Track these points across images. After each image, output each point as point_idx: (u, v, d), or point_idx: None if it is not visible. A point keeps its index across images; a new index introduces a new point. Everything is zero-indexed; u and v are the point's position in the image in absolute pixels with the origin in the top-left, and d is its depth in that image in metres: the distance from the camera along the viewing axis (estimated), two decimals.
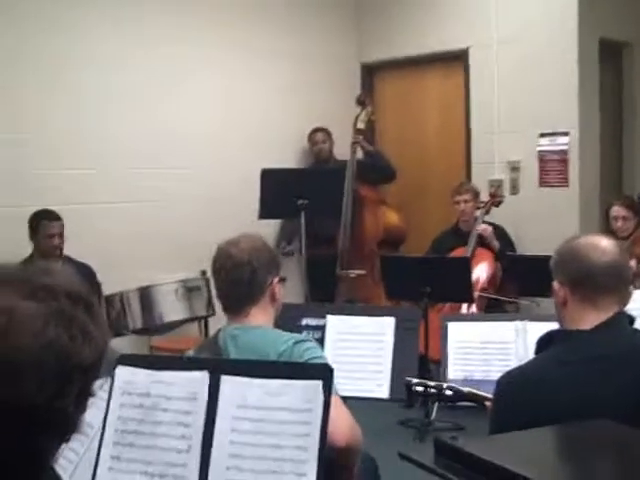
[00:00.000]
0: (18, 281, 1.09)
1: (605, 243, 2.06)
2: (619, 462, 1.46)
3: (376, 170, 5.99)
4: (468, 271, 4.80)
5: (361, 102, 6.09)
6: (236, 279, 2.29)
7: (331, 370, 1.79)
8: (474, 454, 1.32)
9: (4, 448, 1.04)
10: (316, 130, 6.15)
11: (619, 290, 2.03)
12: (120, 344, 4.54)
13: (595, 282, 2.00)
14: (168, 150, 5.55)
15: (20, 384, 1.03)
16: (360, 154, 6.03)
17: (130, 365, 1.89)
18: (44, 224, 4.54)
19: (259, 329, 2.29)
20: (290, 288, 5.37)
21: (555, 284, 2.07)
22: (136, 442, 1.82)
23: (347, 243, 5.89)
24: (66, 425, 1.10)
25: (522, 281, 4.78)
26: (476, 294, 5.11)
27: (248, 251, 2.31)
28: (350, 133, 6.09)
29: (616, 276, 2.02)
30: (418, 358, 2.94)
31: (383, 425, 4.51)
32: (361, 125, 6.02)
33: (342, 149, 6.17)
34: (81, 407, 1.11)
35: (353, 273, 5.73)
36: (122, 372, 1.88)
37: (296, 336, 2.28)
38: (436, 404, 4.50)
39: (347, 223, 5.88)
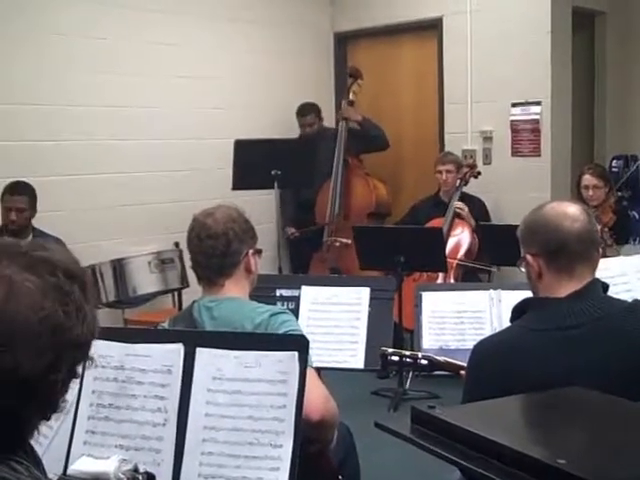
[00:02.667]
0: (17, 254, 1.09)
1: (573, 209, 2.04)
2: (589, 428, 1.47)
3: (368, 139, 5.96)
4: (441, 241, 4.81)
5: (353, 74, 6.07)
6: (210, 250, 2.27)
7: (307, 341, 1.79)
8: (450, 422, 1.33)
9: None
10: (305, 112, 6.06)
11: (592, 257, 2.03)
12: None
13: (570, 251, 1.99)
14: (143, 121, 5.47)
15: (15, 354, 1.03)
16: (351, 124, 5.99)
17: (104, 338, 1.88)
18: (5, 198, 4.46)
19: (235, 301, 2.28)
20: (269, 258, 5.39)
21: (528, 257, 2.04)
22: (111, 416, 1.82)
23: (337, 211, 5.88)
24: (50, 402, 1.11)
25: (495, 250, 4.81)
26: (454, 262, 5.14)
27: (223, 222, 2.29)
28: (327, 101, 6.05)
29: (589, 242, 2.02)
30: (393, 328, 2.95)
31: (358, 395, 4.54)
32: (352, 97, 6.01)
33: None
34: (66, 387, 1.11)
35: (338, 241, 5.74)
36: (95, 345, 1.86)
37: (272, 308, 2.27)
38: (410, 374, 4.55)
39: (337, 191, 5.88)
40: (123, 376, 1.84)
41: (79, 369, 1.13)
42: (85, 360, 1.14)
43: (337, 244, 5.76)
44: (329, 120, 6.20)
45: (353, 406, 3.59)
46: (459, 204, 5.42)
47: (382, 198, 6.04)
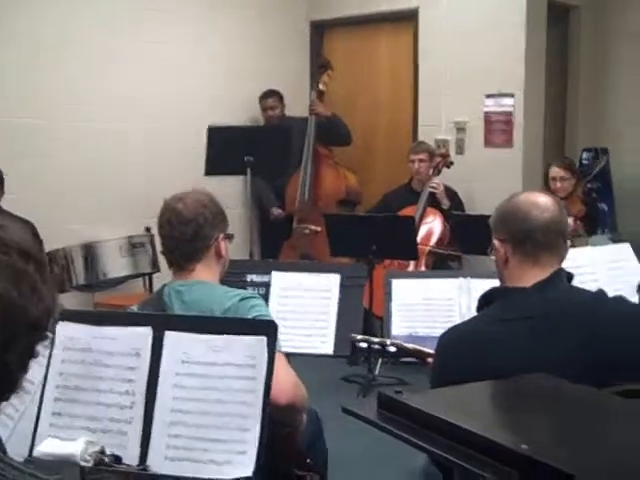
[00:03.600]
0: None
1: (544, 200, 2.06)
2: (555, 414, 1.49)
3: (332, 135, 5.99)
4: (412, 230, 4.83)
5: (323, 65, 6.06)
6: (181, 235, 2.27)
7: (275, 326, 1.79)
8: (416, 407, 1.34)
9: None
10: (267, 95, 6.07)
11: (559, 247, 2.05)
12: (63, 300, 4.48)
13: (536, 240, 2.01)
14: (115, 105, 5.43)
15: None
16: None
17: (71, 320, 1.87)
18: None
19: (205, 285, 2.27)
20: (240, 244, 5.38)
21: (496, 242, 2.08)
22: (78, 398, 1.81)
23: (306, 199, 5.89)
24: (7, 382, 1.09)
25: (466, 239, 4.85)
26: (426, 249, 5.17)
27: (194, 206, 2.29)
28: (302, 90, 6.04)
29: (556, 233, 2.04)
30: (363, 315, 2.96)
31: (327, 381, 4.56)
32: (323, 87, 6.01)
33: (293, 107, 6.13)
34: (23, 366, 1.10)
35: (308, 229, 5.75)
36: (63, 328, 1.85)
37: (242, 292, 2.27)
38: (380, 360, 4.57)
39: (307, 180, 5.89)
40: (90, 358, 1.83)
41: (37, 349, 1.12)
42: (42, 340, 1.13)
43: (307, 231, 5.77)
44: (304, 109, 6.18)
45: (322, 392, 3.60)
46: (434, 183, 5.45)
47: (352, 186, 6.06)
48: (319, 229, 5.62)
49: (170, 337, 1.81)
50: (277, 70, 6.29)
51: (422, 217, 5.38)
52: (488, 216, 2.18)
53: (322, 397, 3.01)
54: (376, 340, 2.29)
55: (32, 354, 1.11)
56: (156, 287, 4.30)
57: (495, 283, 2.16)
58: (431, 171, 5.54)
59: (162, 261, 4.93)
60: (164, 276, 2.83)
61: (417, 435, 1.30)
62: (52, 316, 1.12)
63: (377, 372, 4.66)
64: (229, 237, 2.40)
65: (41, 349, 1.15)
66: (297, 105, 6.16)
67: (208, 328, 1.81)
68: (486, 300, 2.08)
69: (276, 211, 6.01)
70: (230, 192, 5.81)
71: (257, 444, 1.68)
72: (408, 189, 5.70)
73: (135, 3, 5.49)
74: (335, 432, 2.85)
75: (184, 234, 2.27)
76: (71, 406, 1.81)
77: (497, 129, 5.67)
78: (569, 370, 1.74)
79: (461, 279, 2.87)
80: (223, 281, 2.40)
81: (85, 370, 1.82)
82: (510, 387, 1.66)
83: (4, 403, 1.12)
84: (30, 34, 5.02)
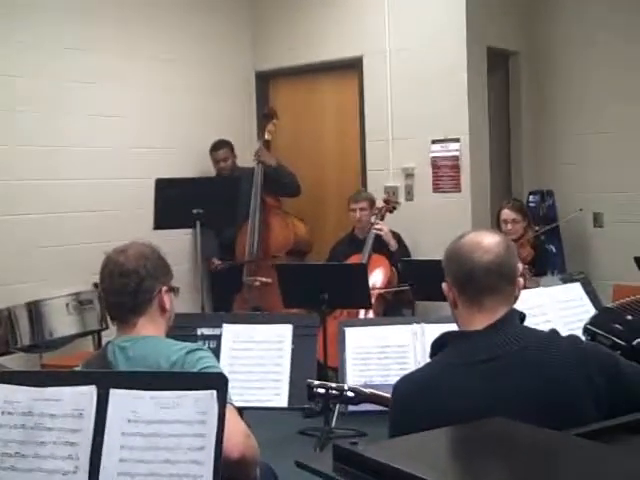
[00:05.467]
0: None
1: (488, 241, 2.01)
2: (510, 458, 1.46)
3: (280, 185, 5.98)
4: (365, 277, 4.82)
5: (269, 114, 6.08)
6: (122, 288, 2.21)
7: (225, 379, 1.73)
8: (373, 458, 1.29)
9: None
10: (217, 147, 6.03)
11: (502, 289, 1.99)
12: (8, 362, 4.34)
13: (477, 283, 1.97)
14: (60, 160, 5.35)
15: None
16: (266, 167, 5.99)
17: (10, 382, 1.78)
18: None
19: (150, 339, 2.21)
20: (191, 299, 5.30)
21: (444, 285, 2.05)
22: (18, 465, 1.72)
23: (254, 250, 5.84)
24: None
25: (416, 285, 4.84)
26: (375, 293, 5.15)
27: (135, 258, 2.23)
28: (248, 140, 6.05)
29: (498, 275, 1.98)
30: (317, 365, 2.92)
31: (283, 435, 4.47)
32: (268, 136, 6.03)
33: (240, 158, 6.14)
34: None
35: (258, 281, 5.70)
36: (1, 390, 1.77)
37: (188, 345, 2.21)
38: (336, 411, 4.50)
39: (255, 230, 5.85)
40: (31, 423, 1.75)
41: None
42: None
43: (257, 283, 5.73)
44: (251, 160, 6.17)
45: (279, 446, 3.53)
46: (378, 225, 5.46)
47: (300, 235, 6.04)
48: (269, 281, 5.58)
49: (115, 395, 1.73)
50: (224, 120, 6.30)
51: (368, 264, 5.38)
52: (438, 261, 2.15)
53: (278, 452, 2.94)
54: (334, 385, 2.24)
55: None
56: None
57: (449, 327, 2.13)
58: (374, 217, 5.57)
59: None
60: (114, 333, 2.76)
61: None
62: None
63: (334, 424, 4.58)
64: (173, 290, 2.34)
65: None
66: (244, 155, 6.16)
67: (155, 384, 1.74)
68: (438, 345, 2.05)
69: (216, 262, 5.93)
70: (180, 246, 5.75)
71: None
72: (352, 238, 5.72)
73: (73, 52, 5.44)
74: None
75: (125, 286, 2.21)
76: (11, 474, 1.71)
77: (445, 174, 5.73)
78: (523, 413, 1.71)
79: (415, 325, 2.85)
80: (172, 335, 2.33)
81: (25, 435, 1.74)
82: (466, 433, 1.62)
83: None
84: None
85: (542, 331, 2.06)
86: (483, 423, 1.61)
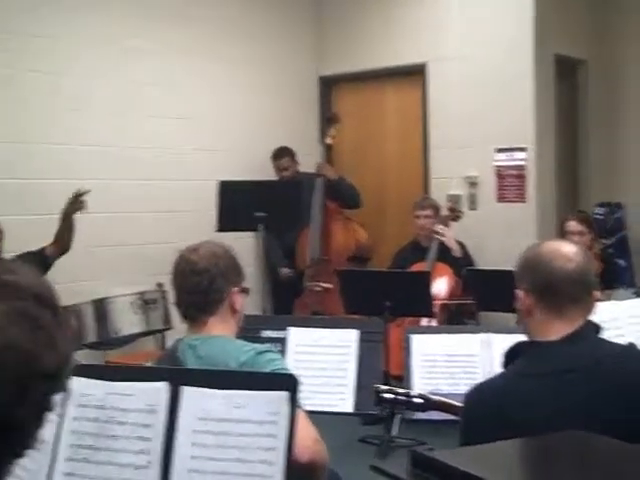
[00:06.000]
0: None
1: (568, 249, 2.00)
2: (587, 470, 1.42)
3: (340, 198, 5.98)
4: (428, 285, 4.76)
5: (331, 118, 6.08)
6: (194, 286, 2.22)
7: (297, 381, 1.72)
8: (452, 464, 1.27)
9: None
10: (279, 155, 6.04)
11: (583, 299, 1.98)
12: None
13: (559, 291, 1.95)
14: (126, 162, 5.44)
15: None
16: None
17: (85, 376, 1.80)
18: None
19: (219, 339, 2.21)
20: (252, 302, 5.31)
21: (519, 292, 2.02)
22: (91, 458, 1.73)
23: (316, 256, 5.84)
24: (21, 438, 1.02)
25: (481, 296, 4.77)
26: (437, 304, 5.09)
27: (207, 257, 2.24)
28: (310, 145, 6.05)
29: (580, 284, 1.97)
30: (383, 370, 2.89)
31: (342, 443, 4.43)
32: (330, 141, 6.01)
33: (303, 163, 6.14)
34: (39, 421, 1.03)
35: (319, 286, 5.69)
36: (76, 383, 1.78)
37: (258, 346, 2.20)
38: (398, 420, 4.45)
39: (316, 236, 5.84)
40: (104, 416, 1.76)
41: (54, 401, 1.05)
42: (60, 391, 1.06)
43: (318, 289, 5.71)
44: (313, 165, 6.18)
45: (338, 454, 3.49)
46: (439, 227, 5.39)
47: (362, 241, 6.01)
48: (330, 286, 5.56)
49: (187, 393, 1.74)
50: (287, 124, 6.32)
51: (431, 273, 5.31)
52: (504, 271, 2.13)
53: (338, 459, 2.91)
54: (401, 391, 2.21)
55: (48, 407, 1.04)
56: (169, 345, 4.25)
57: (517, 338, 2.09)
58: (437, 227, 5.51)
59: (175, 318, 4.86)
60: (177, 333, 2.78)
61: None
62: (68, 365, 1.06)
63: (395, 432, 4.53)
64: (244, 291, 2.34)
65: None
66: (307, 160, 6.16)
67: (227, 383, 1.74)
68: (512, 355, 2.02)
69: (285, 271, 5.95)
70: (242, 248, 5.75)
71: None
72: (415, 246, 5.66)
73: (139, 54, 5.52)
74: None
75: (198, 285, 2.22)
76: (84, 466, 1.73)
77: (510, 184, 5.65)
78: (597, 426, 1.66)
79: (482, 334, 2.80)
80: (238, 337, 2.33)
81: (98, 428, 1.75)
82: (542, 444, 1.59)
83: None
84: (52, 84, 5.05)
85: (619, 344, 2.02)
86: (559, 434, 1.57)
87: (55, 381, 1.03)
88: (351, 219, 6.11)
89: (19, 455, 1.04)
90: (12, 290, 1.01)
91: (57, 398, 1.05)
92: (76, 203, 4.41)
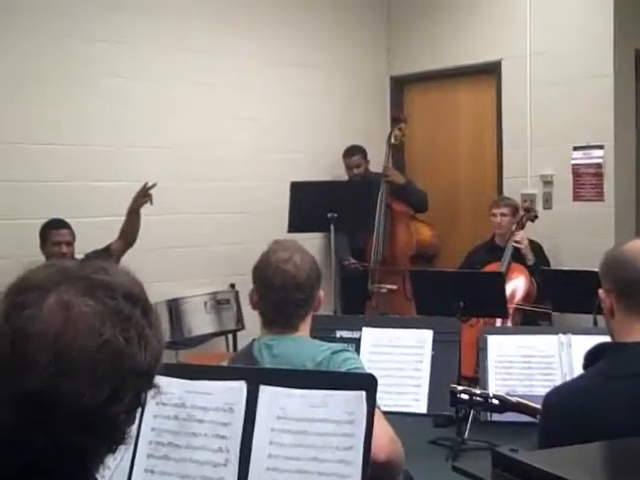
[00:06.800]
0: (76, 278, 1.04)
1: None
2: None
3: (407, 202, 5.95)
4: (502, 286, 4.69)
5: (396, 118, 6.05)
6: (297, 299, 2.20)
7: (375, 380, 1.71)
8: (535, 466, 1.24)
9: (52, 446, 0.99)
10: (351, 153, 6.03)
11: None
12: None
13: None
14: (197, 163, 5.51)
15: (74, 383, 0.98)
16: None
17: (163, 374, 1.82)
18: (51, 232, 4.43)
19: (295, 338, 2.21)
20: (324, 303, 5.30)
21: (601, 292, 1.98)
22: (171, 455, 1.75)
23: (380, 257, 5.83)
24: (115, 433, 1.04)
25: (556, 296, 4.67)
26: (512, 308, 5.00)
27: (307, 271, 2.22)
28: (381, 146, 6.03)
29: None
30: (458, 371, 2.85)
31: (413, 444, 4.37)
32: (395, 141, 5.98)
33: (372, 163, 6.11)
34: (131, 417, 1.05)
35: (384, 288, 5.66)
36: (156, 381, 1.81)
37: (334, 346, 2.20)
38: (469, 421, 4.39)
39: (380, 237, 5.83)
40: (184, 414, 1.78)
41: (143, 398, 1.07)
42: (149, 389, 1.08)
43: (384, 290, 5.68)
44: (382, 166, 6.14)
45: (410, 455, 3.46)
46: (518, 237, 5.29)
47: (424, 240, 5.95)
48: (395, 287, 5.54)
49: (265, 392, 1.74)
50: (358, 125, 6.31)
51: (507, 274, 5.22)
52: (581, 271, 2.08)
53: (409, 461, 2.88)
54: (478, 392, 2.17)
55: (140, 403, 1.06)
56: (240, 346, 4.28)
57: (597, 339, 2.04)
58: (514, 226, 5.41)
59: (247, 318, 4.91)
60: (249, 334, 2.79)
61: None
62: (159, 362, 1.08)
63: (466, 435, 4.47)
64: None
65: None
66: (377, 160, 6.13)
67: (304, 382, 1.74)
68: (594, 357, 1.97)
69: (350, 260, 5.92)
70: (311, 249, 5.78)
71: None
72: (491, 245, 5.57)
73: (214, 57, 5.59)
74: None
75: (300, 299, 2.21)
76: (164, 463, 1.75)
77: (587, 182, 5.52)
78: None
79: (561, 335, 2.74)
80: (313, 337, 2.33)
81: (178, 426, 1.77)
82: (626, 447, 1.54)
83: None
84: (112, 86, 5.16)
85: None
86: None
87: (146, 378, 1.05)
88: (416, 218, 6.06)
89: (112, 450, 1.06)
90: (104, 289, 1.03)
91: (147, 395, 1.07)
92: (143, 197, 4.49)
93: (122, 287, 1.05)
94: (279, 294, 2.20)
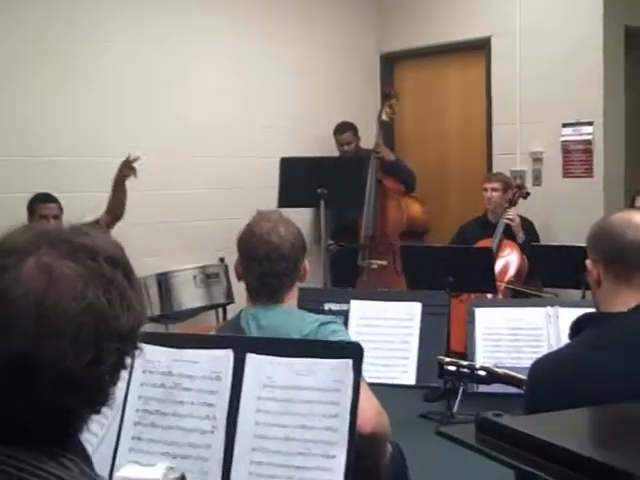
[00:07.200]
0: (58, 241, 1.04)
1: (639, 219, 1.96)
2: None
3: (395, 179, 5.96)
4: (491, 261, 4.70)
5: (387, 95, 6.04)
6: (282, 270, 2.19)
7: (361, 349, 1.72)
8: (519, 430, 1.24)
9: (36, 408, 1.00)
10: (342, 129, 6.01)
11: None
12: None
13: (628, 260, 1.91)
14: (185, 138, 5.49)
15: (58, 346, 0.98)
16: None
17: (151, 343, 1.83)
18: (39, 206, 4.40)
19: (282, 309, 2.21)
20: (311, 277, 5.31)
21: (588, 262, 1.99)
22: (158, 422, 1.76)
23: (370, 233, 5.84)
24: (99, 394, 1.05)
25: (546, 272, 4.70)
26: (502, 285, 5.01)
27: (291, 241, 2.21)
28: (371, 122, 6.01)
29: None
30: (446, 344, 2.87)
31: (403, 418, 4.42)
32: (385, 117, 5.97)
33: (362, 140, 6.10)
34: (114, 378, 1.06)
35: (375, 264, 5.68)
36: (143, 350, 1.81)
37: (321, 317, 2.20)
38: (459, 396, 4.43)
39: (370, 214, 5.84)
40: (170, 382, 1.78)
41: (128, 360, 1.08)
42: (133, 350, 1.08)
43: (374, 266, 5.70)
44: (373, 142, 6.14)
45: (399, 429, 3.47)
46: (510, 215, 5.31)
47: (414, 216, 5.98)
48: (385, 263, 5.56)
49: (252, 360, 1.75)
50: (349, 101, 6.29)
51: (498, 250, 5.24)
52: (570, 247, 2.09)
53: (399, 434, 2.90)
54: (465, 363, 2.19)
55: (123, 366, 1.07)
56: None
57: (584, 311, 2.05)
58: (507, 203, 5.41)
59: (236, 292, 4.91)
60: (239, 308, 2.79)
61: (522, 460, 1.20)
62: (142, 325, 1.08)
63: (456, 409, 4.51)
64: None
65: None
66: (367, 137, 6.12)
67: (291, 351, 1.74)
68: (579, 327, 1.98)
69: (329, 241, 5.89)
70: (299, 224, 5.78)
71: (343, 472, 1.60)
72: (483, 221, 5.58)
73: (204, 34, 5.57)
74: (413, 469, 2.74)
75: (284, 269, 2.20)
76: (151, 431, 1.76)
77: (576, 159, 5.52)
78: None
79: (548, 308, 2.75)
80: (300, 308, 2.34)
81: (165, 394, 1.78)
82: (610, 413, 1.55)
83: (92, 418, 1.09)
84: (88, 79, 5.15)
85: None
86: (631, 404, 1.53)
87: (130, 340, 1.06)
88: (407, 194, 6.07)
89: (96, 411, 1.07)
90: (85, 252, 1.03)
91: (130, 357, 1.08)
92: (127, 169, 4.47)
93: (103, 250, 1.05)
94: (263, 265, 2.19)
